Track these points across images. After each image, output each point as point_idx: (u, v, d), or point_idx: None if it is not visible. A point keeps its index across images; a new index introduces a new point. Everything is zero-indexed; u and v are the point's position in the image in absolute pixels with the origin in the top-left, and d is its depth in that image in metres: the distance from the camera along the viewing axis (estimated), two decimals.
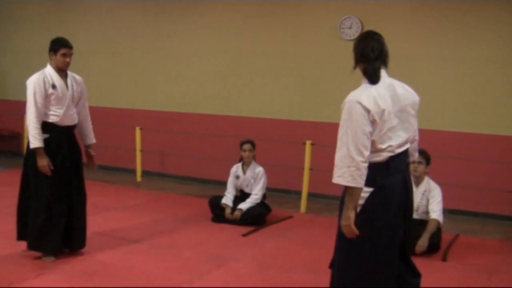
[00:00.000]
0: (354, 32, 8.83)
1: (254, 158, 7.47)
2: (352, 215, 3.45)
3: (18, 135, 12.09)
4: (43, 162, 5.18)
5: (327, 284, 4.89)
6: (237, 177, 7.46)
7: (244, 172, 7.43)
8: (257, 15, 9.70)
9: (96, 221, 6.73)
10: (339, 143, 3.47)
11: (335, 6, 8.98)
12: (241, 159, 7.50)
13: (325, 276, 4.47)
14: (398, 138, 3.55)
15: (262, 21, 9.66)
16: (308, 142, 8.17)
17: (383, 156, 3.51)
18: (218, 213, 7.31)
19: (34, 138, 5.16)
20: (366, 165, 3.40)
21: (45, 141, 5.23)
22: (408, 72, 7.97)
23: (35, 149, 5.18)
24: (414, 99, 3.70)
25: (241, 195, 7.46)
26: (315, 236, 6.86)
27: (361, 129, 3.38)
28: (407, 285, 3.82)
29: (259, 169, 7.38)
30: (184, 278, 5.06)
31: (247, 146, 7.36)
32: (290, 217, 7.78)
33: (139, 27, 10.84)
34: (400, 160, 3.62)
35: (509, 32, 8.02)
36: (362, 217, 3.51)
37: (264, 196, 7.45)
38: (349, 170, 3.38)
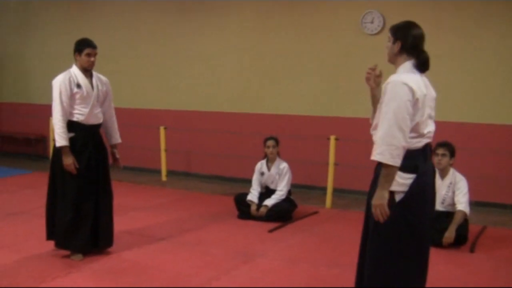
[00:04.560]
0: (376, 26, 8.80)
1: (278, 154, 7.48)
2: (387, 195, 3.44)
3: (44, 138, 12.22)
4: (69, 161, 5.25)
5: (354, 278, 4.90)
6: (262, 173, 7.47)
7: (269, 168, 7.43)
8: (278, 12, 9.70)
9: (123, 220, 6.79)
10: (381, 122, 3.45)
11: (356, 1, 8.95)
12: (265, 156, 7.51)
13: (352, 270, 4.45)
14: (431, 126, 3.60)
15: (283, 18, 9.66)
16: (332, 137, 8.15)
17: (422, 142, 3.53)
18: (243, 210, 7.33)
19: (60, 137, 5.24)
20: (405, 145, 3.41)
21: (71, 140, 5.30)
22: (430, 66, 7.92)
23: (61, 148, 5.25)
24: (434, 93, 3.72)
25: (266, 192, 7.46)
26: (342, 231, 6.85)
27: (404, 109, 3.38)
28: None
29: (284, 165, 7.39)
30: (211, 274, 5.09)
31: (270, 143, 7.37)
32: (316, 212, 7.77)
33: (161, 28, 10.91)
34: (429, 148, 3.66)
35: None
36: (405, 203, 3.51)
37: (290, 192, 7.45)
38: (389, 148, 3.37)
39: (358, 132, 8.52)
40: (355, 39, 9.02)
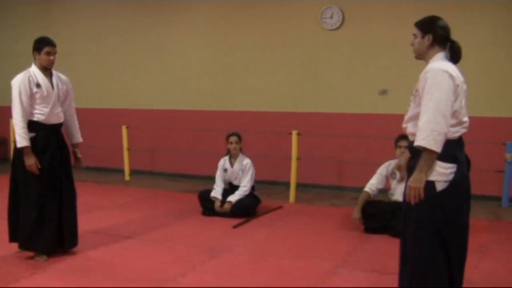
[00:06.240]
0: (335, 21, 8.89)
1: (241, 150, 7.51)
2: (424, 178, 3.50)
3: (5, 140, 12.06)
4: (31, 161, 5.19)
5: (320, 269, 4.97)
6: (225, 170, 7.49)
7: (232, 165, 7.46)
8: (239, 9, 9.76)
9: (88, 220, 6.75)
10: (423, 109, 3.50)
11: None
12: (228, 152, 7.54)
13: (317, 262, 4.51)
14: (467, 116, 3.66)
15: (246, 15, 9.72)
16: (294, 132, 8.21)
17: (460, 132, 3.61)
18: (208, 207, 7.35)
19: (20, 138, 5.16)
20: (447, 131, 3.47)
21: (32, 140, 5.23)
22: (390, 59, 8.03)
23: (22, 148, 5.18)
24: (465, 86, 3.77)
25: (230, 188, 7.50)
26: (306, 224, 6.93)
27: (446, 96, 3.46)
28: None
29: (247, 161, 7.43)
30: (178, 270, 5.09)
31: (233, 139, 7.40)
32: (280, 207, 7.84)
33: (124, 26, 10.86)
34: (462, 139, 3.71)
35: (498, 14, 8.21)
36: (447, 193, 3.56)
37: (253, 188, 7.50)
38: (432, 134, 3.42)
39: (320, 127, 8.63)
40: (315, 34, 9.10)
